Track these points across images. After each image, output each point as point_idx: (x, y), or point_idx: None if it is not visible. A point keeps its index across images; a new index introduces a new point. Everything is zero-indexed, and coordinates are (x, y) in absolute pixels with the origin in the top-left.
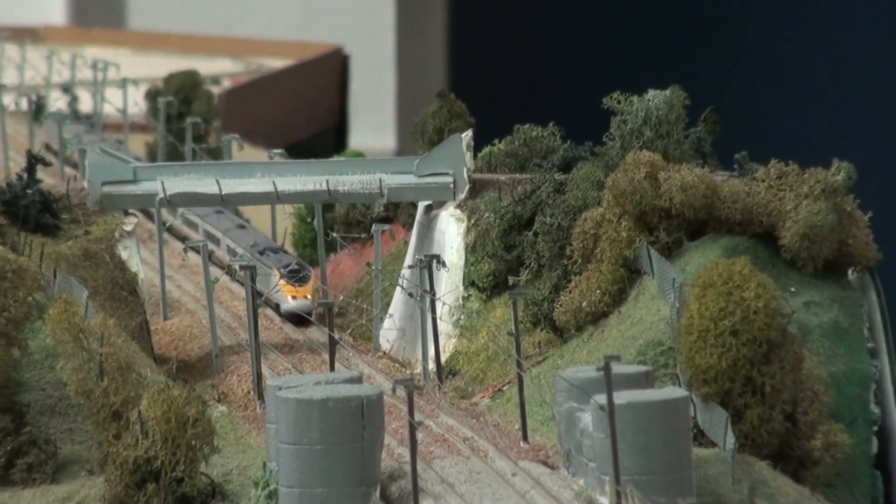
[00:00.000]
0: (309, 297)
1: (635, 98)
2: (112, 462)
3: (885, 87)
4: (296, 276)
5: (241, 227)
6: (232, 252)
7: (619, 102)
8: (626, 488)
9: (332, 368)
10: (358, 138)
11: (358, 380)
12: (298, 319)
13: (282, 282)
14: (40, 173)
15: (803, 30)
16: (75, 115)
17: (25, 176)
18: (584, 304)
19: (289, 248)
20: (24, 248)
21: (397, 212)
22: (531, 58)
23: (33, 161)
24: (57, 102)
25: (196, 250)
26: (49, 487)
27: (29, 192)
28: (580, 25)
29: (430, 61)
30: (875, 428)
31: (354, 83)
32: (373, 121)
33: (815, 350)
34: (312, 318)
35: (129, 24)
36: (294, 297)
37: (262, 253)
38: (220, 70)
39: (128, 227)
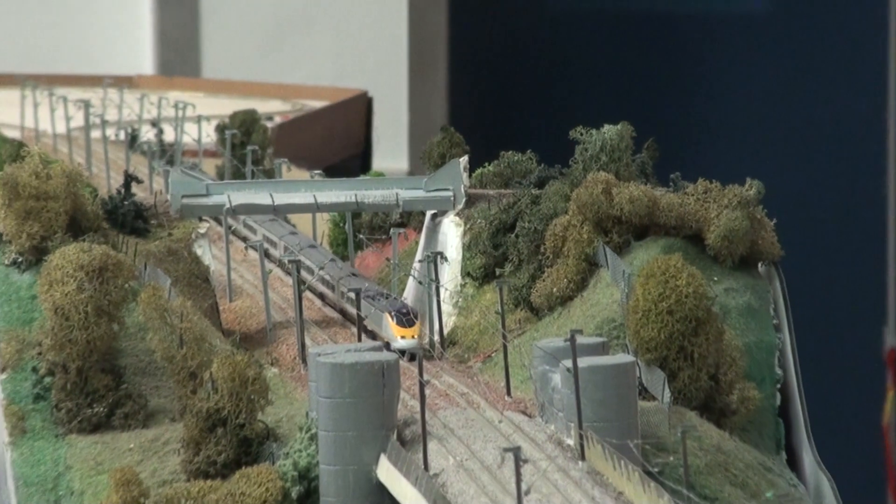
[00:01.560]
0: (416, 336)
1: (594, 131)
2: (189, 412)
3: (787, 123)
4: (405, 319)
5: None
6: (341, 291)
7: (581, 134)
8: (587, 432)
9: (359, 339)
10: (379, 162)
11: (379, 349)
12: (407, 355)
13: (393, 323)
14: (134, 188)
15: (723, 80)
16: (161, 145)
17: (123, 191)
18: (555, 289)
19: (326, 246)
20: (122, 247)
21: (410, 219)
22: (514, 99)
23: (129, 179)
24: (147, 134)
25: (255, 248)
26: (141, 431)
27: (126, 203)
28: (552, 75)
29: (434, 103)
30: (778, 386)
31: (376, 119)
32: (390, 148)
33: (733, 325)
34: (419, 355)
35: (203, 74)
36: (403, 337)
37: (373, 297)
38: (272, 109)
39: (201, 231)
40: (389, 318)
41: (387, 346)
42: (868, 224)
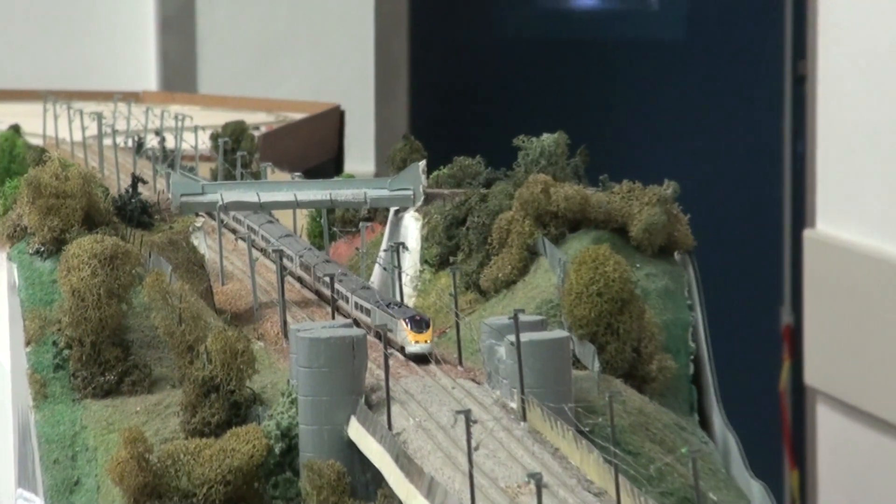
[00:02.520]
0: (429, 341)
1: (534, 139)
2: (187, 379)
3: (698, 134)
4: (419, 325)
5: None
6: (360, 306)
7: (523, 142)
8: (528, 397)
9: (333, 318)
10: (350, 165)
11: (350, 325)
12: (420, 358)
13: (408, 329)
14: (140, 188)
15: (644, 96)
16: (163, 151)
17: (131, 190)
18: (500, 275)
19: (304, 237)
20: (130, 238)
21: (376, 214)
22: (465, 112)
23: (136, 180)
24: (151, 142)
25: (243, 239)
26: (146, 396)
27: (133, 201)
28: (498, 92)
29: (396, 115)
30: (691, 357)
31: (347, 129)
32: (359, 154)
33: (653, 305)
34: (431, 358)
35: (199, 90)
36: (417, 342)
37: (388, 306)
38: (259, 120)
39: (198, 224)
40: (404, 325)
41: (401, 349)
42: (767, 220)
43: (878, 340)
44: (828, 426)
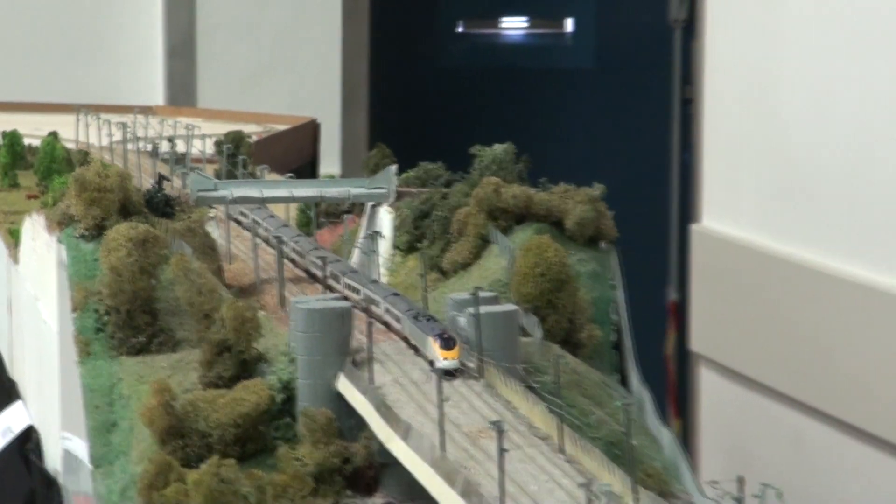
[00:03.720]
0: (457, 358)
1: (487, 148)
2: (204, 341)
3: (614, 145)
4: (447, 343)
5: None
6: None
7: (478, 150)
8: (484, 358)
9: (323, 291)
10: (323, 168)
11: (340, 298)
12: (448, 373)
13: (436, 345)
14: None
15: (572, 113)
16: (176, 155)
17: (157, 186)
18: (459, 258)
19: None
20: (157, 226)
21: (355, 208)
22: (426, 122)
23: (161, 178)
24: (165, 147)
25: (246, 228)
26: (171, 354)
27: (159, 195)
28: (451, 109)
29: (358, 128)
30: (613, 327)
31: (322, 138)
32: (330, 159)
33: (584, 285)
34: (457, 374)
35: (199, 105)
36: (446, 359)
37: (416, 318)
38: (252, 130)
39: (211, 215)
40: (434, 343)
41: (431, 363)
42: (660, 216)
43: (749, 314)
44: (708, 383)
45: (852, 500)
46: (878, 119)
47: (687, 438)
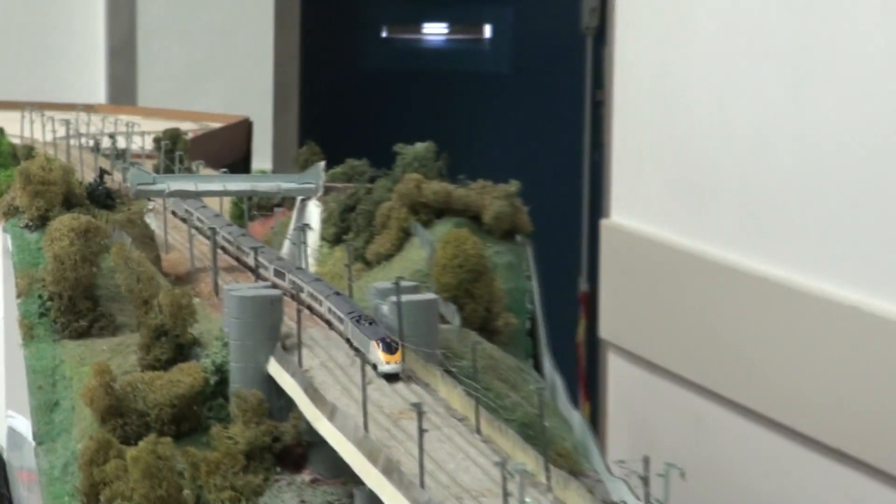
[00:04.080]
0: (399, 362)
1: (409, 147)
2: (143, 326)
3: (531, 145)
4: (390, 347)
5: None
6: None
7: (401, 149)
8: (406, 344)
9: (256, 280)
10: (255, 164)
11: (270, 286)
12: (391, 377)
13: (379, 350)
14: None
15: (489, 114)
16: (116, 149)
17: (99, 180)
18: (382, 250)
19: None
20: (98, 217)
21: (285, 201)
22: (353, 121)
23: (102, 173)
24: (105, 143)
25: (182, 219)
26: (111, 338)
27: (100, 188)
28: (375, 109)
29: (289, 126)
30: (528, 316)
31: (255, 135)
32: (262, 155)
33: (500, 276)
34: (401, 376)
35: (139, 104)
36: (388, 363)
37: (358, 321)
38: (188, 127)
39: (150, 207)
40: (376, 346)
41: (374, 367)
42: (572, 212)
43: (654, 304)
44: (615, 369)
45: (749, 478)
46: (769, 124)
47: (596, 421)
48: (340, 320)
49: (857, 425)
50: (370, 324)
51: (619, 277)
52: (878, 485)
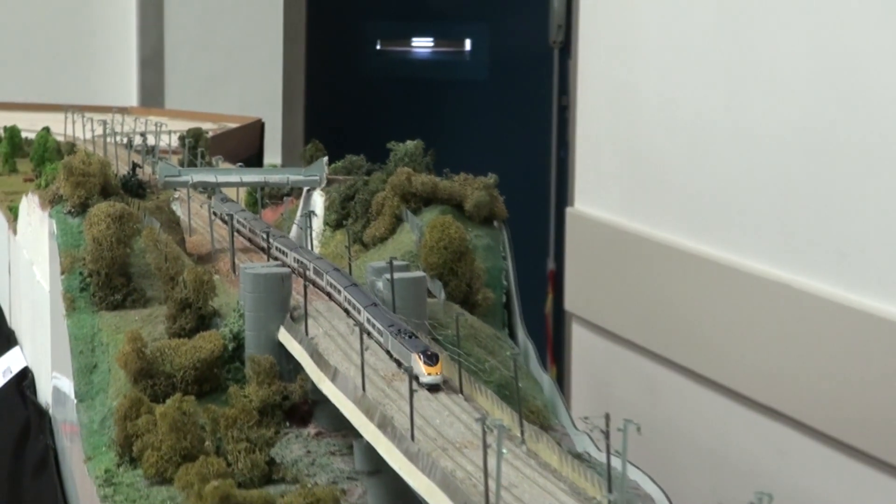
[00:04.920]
0: (440, 373)
1: (401, 144)
2: (170, 299)
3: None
4: (431, 359)
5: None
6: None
7: (393, 146)
8: (398, 315)
9: (268, 260)
10: (267, 159)
11: (281, 266)
12: (433, 388)
13: (420, 362)
14: (138, 172)
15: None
16: (146, 146)
17: (131, 172)
18: (377, 233)
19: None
20: (131, 204)
21: (293, 191)
22: (351, 122)
23: (135, 166)
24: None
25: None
26: (142, 310)
27: (133, 179)
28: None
29: (295, 126)
30: (504, 291)
31: (266, 134)
32: (272, 152)
33: (480, 256)
34: (443, 387)
35: (166, 106)
36: (429, 374)
37: (399, 334)
38: (208, 127)
39: (176, 196)
40: (418, 359)
41: (417, 379)
42: (541, 201)
43: (612, 281)
44: (578, 337)
45: (694, 432)
46: (709, 124)
47: (562, 382)
48: (380, 333)
49: (783, 384)
50: (410, 336)
51: (581, 258)
52: (800, 436)
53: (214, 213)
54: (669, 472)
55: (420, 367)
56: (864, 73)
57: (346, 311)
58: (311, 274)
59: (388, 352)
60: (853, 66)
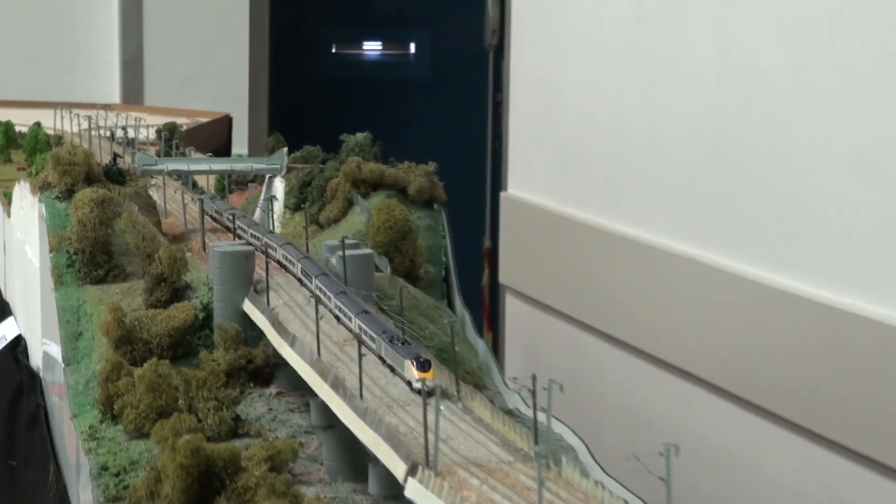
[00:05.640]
0: (432, 378)
1: (351, 136)
2: (147, 274)
3: (443, 136)
4: (423, 366)
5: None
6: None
7: (345, 138)
8: (349, 288)
9: (234, 239)
10: (235, 150)
11: (246, 243)
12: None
13: (414, 368)
14: (119, 161)
15: (413, 113)
16: (126, 138)
17: (112, 162)
18: (331, 215)
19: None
20: (112, 190)
21: (257, 178)
22: (309, 117)
23: (115, 156)
24: (119, 134)
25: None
26: (122, 284)
27: (113, 168)
28: (330, 106)
29: (259, 121)
30: (443, 266)
31: (234, 128)
32: (239, 143)
33: (421, 235)
34: (436, 393)
35: (145, 103)
36: (421, 380)
37: (391, 341)
38: (183, 122)
39: (153, 183)
40: (411, 364)
41: (409, 383)
42: (478, 186)
43: (540, 256)
44: (511, 306)
45: (612, 390)
46: (627, 117)
47: (496, 347)
48: (372, 338)
49: (689, 346)
50: (402, 343)
51: (514, 237)
52: (704, 392)
53: (206, 213)
54: (589, 425)
55: (412, 372)
56: (760, 75)
57: (300, 280)
58: (270, 251)
59: (380, 357)
60: (751, 69)
